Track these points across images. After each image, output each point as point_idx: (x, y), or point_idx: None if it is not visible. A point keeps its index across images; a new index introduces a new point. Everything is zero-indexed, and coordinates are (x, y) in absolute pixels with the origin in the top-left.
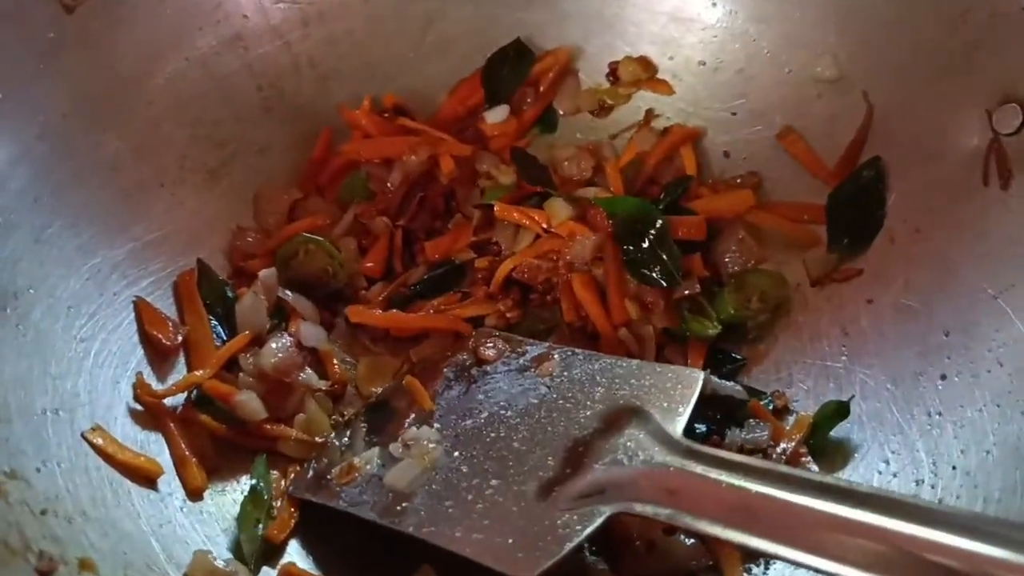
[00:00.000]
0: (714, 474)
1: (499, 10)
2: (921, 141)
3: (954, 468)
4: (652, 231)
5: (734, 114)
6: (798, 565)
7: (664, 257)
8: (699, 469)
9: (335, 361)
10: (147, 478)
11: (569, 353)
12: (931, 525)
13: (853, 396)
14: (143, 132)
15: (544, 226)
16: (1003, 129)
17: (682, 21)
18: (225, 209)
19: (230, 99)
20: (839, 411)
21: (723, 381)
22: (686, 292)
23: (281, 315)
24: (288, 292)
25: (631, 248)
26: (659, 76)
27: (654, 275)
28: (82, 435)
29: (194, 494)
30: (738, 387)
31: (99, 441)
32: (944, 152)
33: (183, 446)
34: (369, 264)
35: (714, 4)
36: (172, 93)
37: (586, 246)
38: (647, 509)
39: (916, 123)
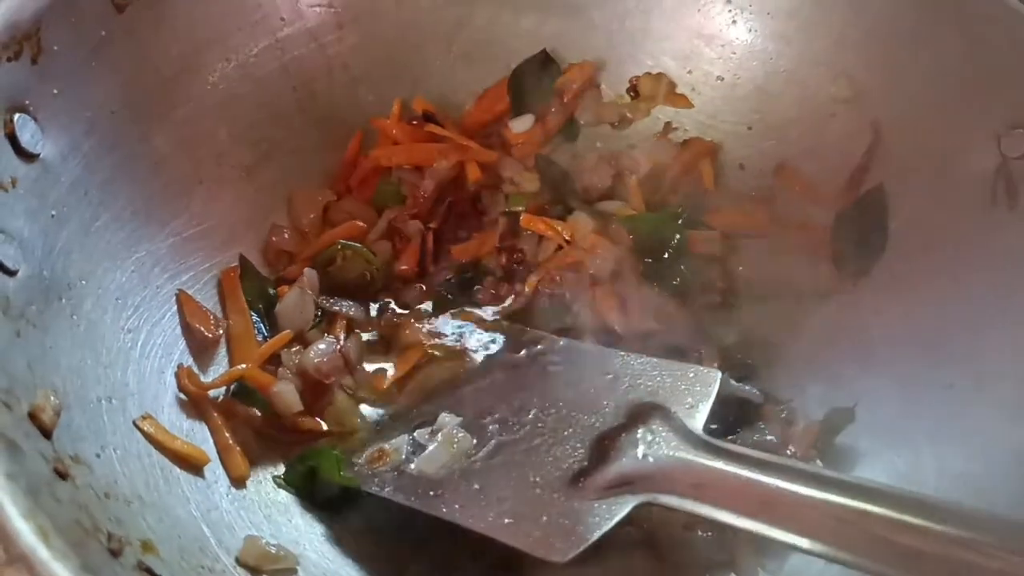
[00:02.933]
0: (735, 469)
1: (525, 19)
2: (931, 160)
3: (960, 475)
4: (672, 245)
5: (750, 128)
6: (815, 555)
7: (683, 269)
8: (721, 464)
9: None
10: (194, 466)
11: (588, 348)
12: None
13: (856, 403)
14: (185, 129)
15: (567, 237)
16: (1011, 153)
17: (703, 37)
18: (260, 206)
19: (267, 99)
20: (844, 417)
21: (738, 384)
22: (703, 303)
23: (322, 315)
24: (328, 299)
25: (651, 261)
26: (678, 90)
27: (673, 286)
28: (134, 423)
29: (238, 482)
30: (754, 391)
31: (149, 429)
32: (953, 171)
33: (227, 435)
34: (404, 267)
35: (734, 22)
36: (212, 92)
37: (607, 259)
38: (672, 500)
39: (927, 142)
